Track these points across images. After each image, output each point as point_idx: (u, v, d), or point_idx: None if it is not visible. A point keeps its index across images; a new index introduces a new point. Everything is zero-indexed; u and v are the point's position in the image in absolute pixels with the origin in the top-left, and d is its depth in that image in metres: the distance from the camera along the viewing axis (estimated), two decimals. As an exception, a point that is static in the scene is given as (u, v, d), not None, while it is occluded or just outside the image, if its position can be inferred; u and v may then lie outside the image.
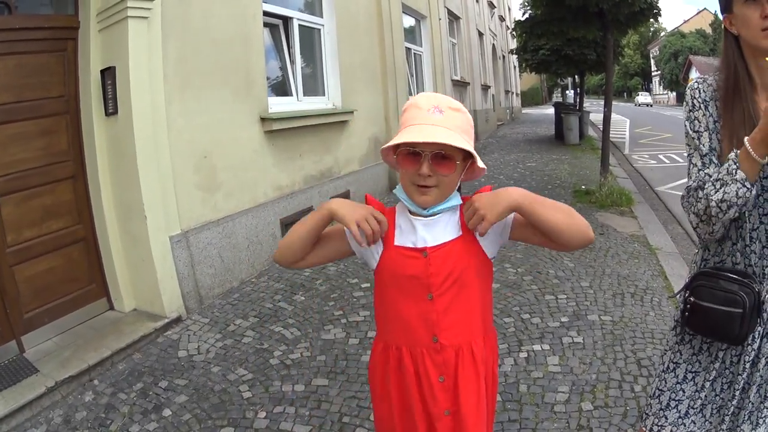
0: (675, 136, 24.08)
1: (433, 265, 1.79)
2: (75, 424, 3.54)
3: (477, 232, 1.75)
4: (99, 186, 4.69)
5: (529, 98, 70.66)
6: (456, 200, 1.83)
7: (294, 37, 7.48)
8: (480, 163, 1.78)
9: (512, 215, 1.80)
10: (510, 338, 4.55)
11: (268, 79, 6.67)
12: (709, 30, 72.29)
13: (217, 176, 5.52)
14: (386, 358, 1.91)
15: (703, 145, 1.87)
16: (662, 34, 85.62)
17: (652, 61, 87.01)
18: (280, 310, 5.15)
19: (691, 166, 1.91)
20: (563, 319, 4.88)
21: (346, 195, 8.32)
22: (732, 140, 1.79)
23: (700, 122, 1.89)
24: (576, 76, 25.17)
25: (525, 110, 53.34)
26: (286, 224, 6.64)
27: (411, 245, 1.82)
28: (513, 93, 40.74)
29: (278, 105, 6.83)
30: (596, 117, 29.15)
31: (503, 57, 34.56)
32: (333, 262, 2.01)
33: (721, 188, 1.72)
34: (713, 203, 1.74)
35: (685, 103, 1.97)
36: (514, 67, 40.43)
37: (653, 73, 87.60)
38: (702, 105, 1.89)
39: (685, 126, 1.95)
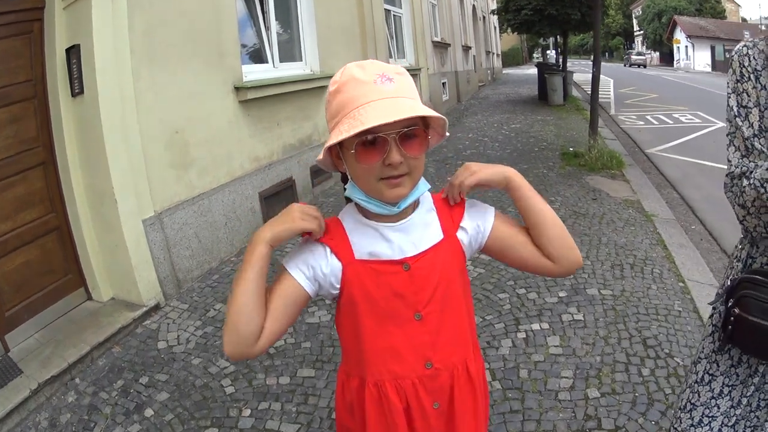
0: (661, 96, 24.15)
1: (418, 279, 1.49)
2: (60, 428, 3.37)
3: (459, 188, 1.53)
4: (69, 171, 4.47)
5: (510, 59, 70.67)
6: (424, 185, 1.52)
7: (268, 2, 7.22)
8: (444, 131, 1.51)
9: (493, 216, 1.60)
10: (506, 316, 4.40)
11: (243, 47, 6.45)
12: None
13: (190, 152, 5.30)
14: (363, 396, 1.56)
15: (751, 124, 1.60)
16: None
17: (635, 21, 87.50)
18: (261, 291, 4.93)
19: (733, 149, 1.66)
20: (561, 294, 4.73)
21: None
22: None
23: (749, 96, 1.60)
24: (558, 36, 25.07)
25: (506, 71, 53.27)
26: (266, 197, 6.47)
27: (385, 258, 1.49)
28: (494, 54, 40.66)
29: (253, 73, 6.60)
30: (578, 77, 29.09)
31: (484, 18, 34.41)
32: (292, 325, 1.60)
33: None
34: None
35: (731, 71, 1.67)
36: (495, 27, 40.34)
37: (636, 33, 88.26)
38: (752, 76, 1.60)
39: (729, 100, 1.67)
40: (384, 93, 1.34)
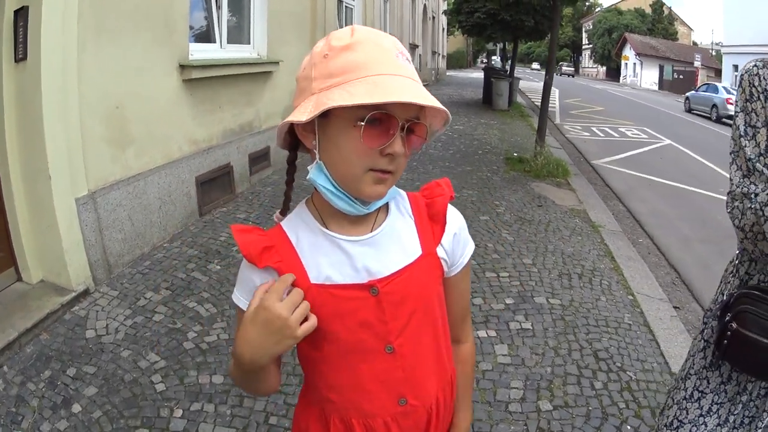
0: (607, 110, 24.77)
1: (389, 305, 1.27)
2: (-10, 420, 3.19)
3: None
4: (5, 142, 4.21)
5: (454, 61, 71.46)
6: (394, 190, 1.33)
7: (222, -21, 7.06)
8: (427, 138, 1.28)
9: (471, 252, 1.45)
10: (451, 321, 4.36)
11: (191, 28, 6.26)
12: (648, 10, 76.01)
13: (129, 130, 5.11)
14: (327, 429, 1.39)
15: (757, 144, 1.61)
16: (597, 9, 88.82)
17: (584, 35, 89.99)
18: (193, 282, 4.80)
19: (735, 168, 1.66)
20: (508, 301, 4.75)
21: (266, 152, 8.10)
22: None
23: (758, 116, 1.61)
24: (507, 43, 25.42)
25: (449, 72, 53.67)
26: (202, 182, 6.32)
27: (348, 281, 1.26)
28: (439, 55, 40.95)
29: (200, 52, 6.43)
30: (522, 84, 29.55)
31: (433, 18, 34.72)
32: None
33: None
34: (767, 236, 1.53)
35: (740, 90, 1.67)
36: (443, 29, 40.73)
37: (584, 47, 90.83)
38: (762, 96, 1.60)
39: (737, 118, 1.68)
40: (405, 71, 1.16)
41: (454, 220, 1.40)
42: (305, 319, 1.18)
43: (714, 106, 26.88)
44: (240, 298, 1.28)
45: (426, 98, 1.10)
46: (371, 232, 1.29)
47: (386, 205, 1.34)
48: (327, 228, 1.28)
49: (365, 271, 1.26)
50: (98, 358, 3.74)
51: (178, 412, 3.27)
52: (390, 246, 1.30)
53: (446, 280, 1.42)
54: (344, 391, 1.33)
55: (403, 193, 1.39)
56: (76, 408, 3.26)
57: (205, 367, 3.70)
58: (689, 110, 30.13)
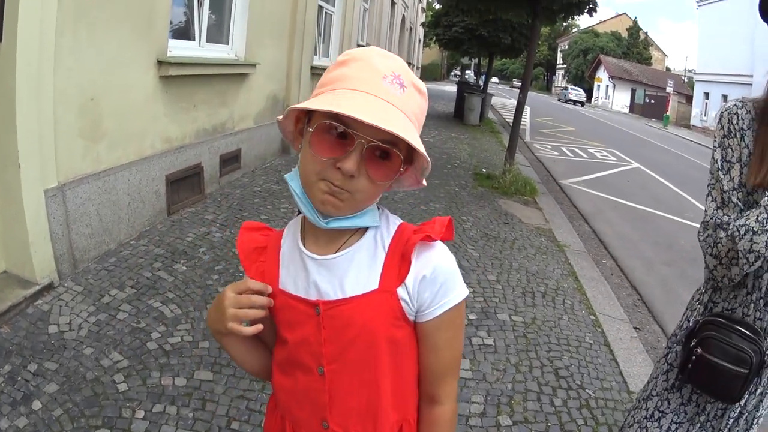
0: (578, 130, 24.99)
1: (327, 329, 1.29)
2: (-52, 417, 3.10)
3: None
4: (-26, 127, 4.12)
5: (428, 73, 71.76)
6: (371, 219, 1.30)
7: (205, -23, 7.01)
8: (421, 178, 1.36)
9: (455, 303, 1.32)
10: (415, 335, 4.37)
11: (171, 24, 6.19)
12: (625, 34, 77.43)
13: (102, 123, 5.03)
14: (274, 424, 1.47)
15: (731, 178, 1.73)
16: (574, 30, 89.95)
17: (559, 55, 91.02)
18: (159, 281, 4.75)
19: (710, 199, 1.78)
20: (471, 316, 4.78)
21: (237, 154, 8.03)
22: (761, 171, 1.67)
23: (733, 152, 1.75)
24: (480, 58, 25.62)
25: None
26: (172, 181, 6.25)
27: (300, 294, 1.31)
28: (414, 66, 41.19)
29: (178, 49, 6.37)
30: (494, 101, 29.74)
31: (410, 29, 34.93)
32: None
33: (747, 236, 1.60)
34: (741, 253, 1.62)
35: (719, 126, 1.80)
36: (419, 40, 40.99)
37: (558, 66, 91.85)
38: (738, 133, 1.74)
39: (714, 152, 1.81)
40: (385, 93, 1.15)
41: (428, 262, 1.29)
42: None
43: (565, 95, 64.21)
44: None
45: (385, 122, 1.08)
46: (334, 254, 1.30)
47: (364, 232, 1.32)
48: (303, 241, 1.35)
49: (315, 288, 1.30)
50: (60, 355, 3.67)
51: (140, 413, 3.23)
52: (347, 272, 1.29)
53: (418, 327, 1.34)
54: (285, 392, 1.41)
55: (395, 224, 1.35)
56: (37, 405, 3.20)
57: (168, 368, 3.66)
58: (558, 100, 64.25)
